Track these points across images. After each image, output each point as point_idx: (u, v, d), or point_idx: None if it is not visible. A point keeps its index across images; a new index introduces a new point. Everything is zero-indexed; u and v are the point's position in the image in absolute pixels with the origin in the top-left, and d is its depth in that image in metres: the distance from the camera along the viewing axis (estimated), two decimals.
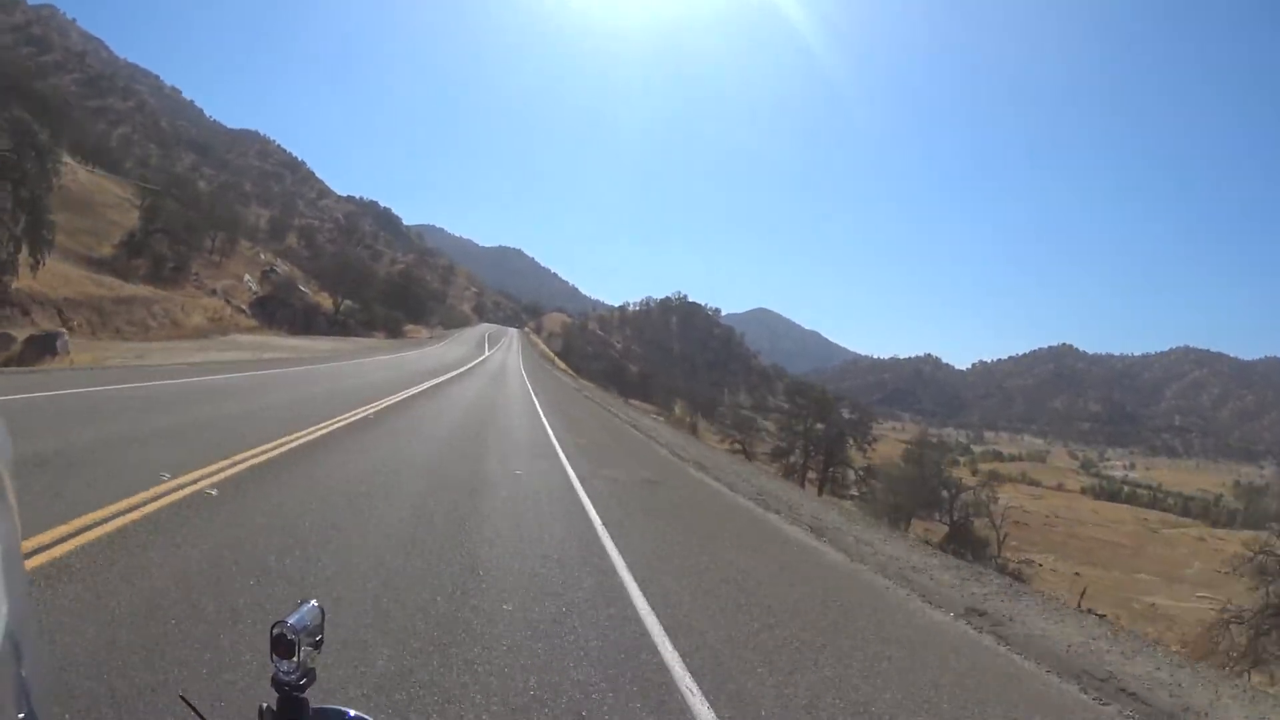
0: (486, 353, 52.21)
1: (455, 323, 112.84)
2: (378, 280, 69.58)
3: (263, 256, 58.62)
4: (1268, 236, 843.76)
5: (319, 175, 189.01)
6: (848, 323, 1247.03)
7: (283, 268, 57.94)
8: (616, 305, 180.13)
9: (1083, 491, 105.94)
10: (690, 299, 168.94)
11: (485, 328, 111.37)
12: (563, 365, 69.25)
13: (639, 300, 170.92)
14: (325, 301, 55.20)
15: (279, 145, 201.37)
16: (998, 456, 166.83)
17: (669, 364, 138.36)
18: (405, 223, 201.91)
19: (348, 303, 55.92)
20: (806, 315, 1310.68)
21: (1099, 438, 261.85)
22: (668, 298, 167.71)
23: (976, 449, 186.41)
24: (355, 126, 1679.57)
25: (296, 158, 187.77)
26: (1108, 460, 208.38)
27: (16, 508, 1.05)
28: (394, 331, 61.55)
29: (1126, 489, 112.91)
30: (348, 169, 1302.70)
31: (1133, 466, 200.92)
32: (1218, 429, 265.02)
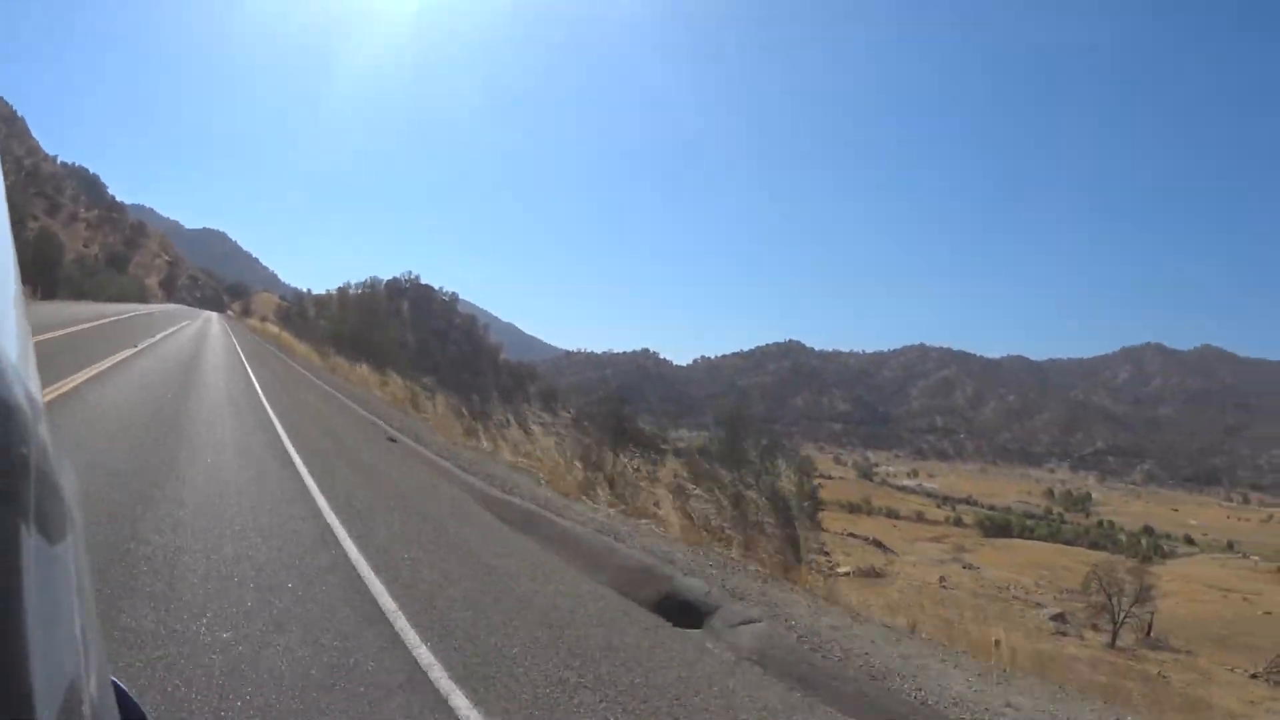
0: None
1: (114, 294, 44.78)
2: None
3: None
4: (1000, 228, 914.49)
5: (35, 135, 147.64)
6: (547, 318, 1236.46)
7: None
8: (333, 287, 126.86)
9: (958, 523, 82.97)
10: (423, 280, 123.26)
11: (148, 309, 43.95)
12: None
13: (362, 281, 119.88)
14: None
15: None
16: None
17: (405, 359, 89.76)
18: (121, 199, 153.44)
19: None
20: (503, 308, 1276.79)
21: (853, 439, 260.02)
22: (395, 278, 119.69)
23: None
24: (80, 91, 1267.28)
25: (14, 110, 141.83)
26: (878, 467, 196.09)
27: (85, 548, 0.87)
28: None
29: (1014, 520, 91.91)
30: (89, 142, 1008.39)
31: (915, 473, 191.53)
32: (984, 429, 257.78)
